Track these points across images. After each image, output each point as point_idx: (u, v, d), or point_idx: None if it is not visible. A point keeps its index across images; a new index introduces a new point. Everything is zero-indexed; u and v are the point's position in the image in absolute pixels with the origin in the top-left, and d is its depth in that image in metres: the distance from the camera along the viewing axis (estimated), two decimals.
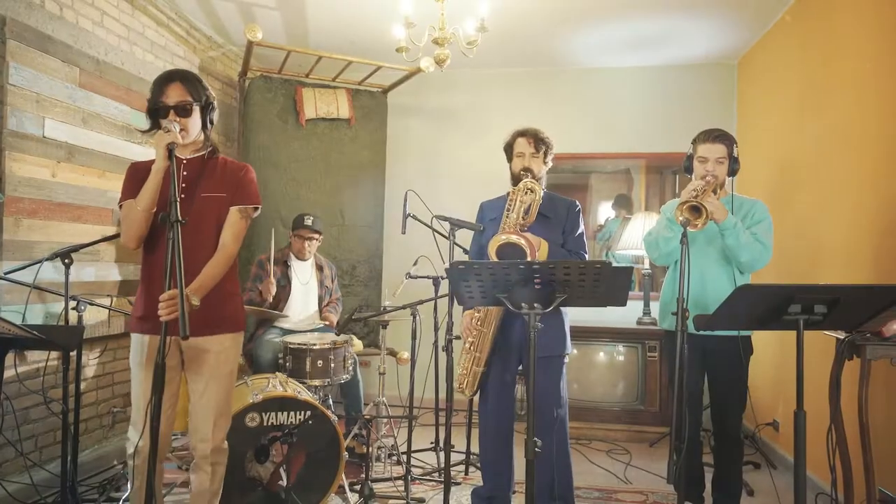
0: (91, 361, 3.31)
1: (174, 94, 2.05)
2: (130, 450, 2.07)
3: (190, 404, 2.17)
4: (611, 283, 1.96)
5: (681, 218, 2.28)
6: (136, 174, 2.10)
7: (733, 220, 2.48)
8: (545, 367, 2.56)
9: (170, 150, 1.91)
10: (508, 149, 2.77)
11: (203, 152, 2.17)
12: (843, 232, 2.97)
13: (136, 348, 2.10)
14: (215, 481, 2.19)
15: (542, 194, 2.59)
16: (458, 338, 2.71)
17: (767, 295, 1.84)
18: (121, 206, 2.11)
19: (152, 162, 2.10)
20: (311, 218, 3.79)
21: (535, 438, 1.95)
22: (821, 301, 1.78)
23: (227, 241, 2.12)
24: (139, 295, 2.14)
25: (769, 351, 3.74)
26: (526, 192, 2.55)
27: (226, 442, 2.22)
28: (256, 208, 2.20)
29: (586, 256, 2.70)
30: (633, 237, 4.36)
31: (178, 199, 1.82)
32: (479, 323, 2.60)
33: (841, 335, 2.18)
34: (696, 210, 2.31)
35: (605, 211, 5.05)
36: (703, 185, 2.46)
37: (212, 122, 2.17)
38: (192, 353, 2.11)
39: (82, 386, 3.05)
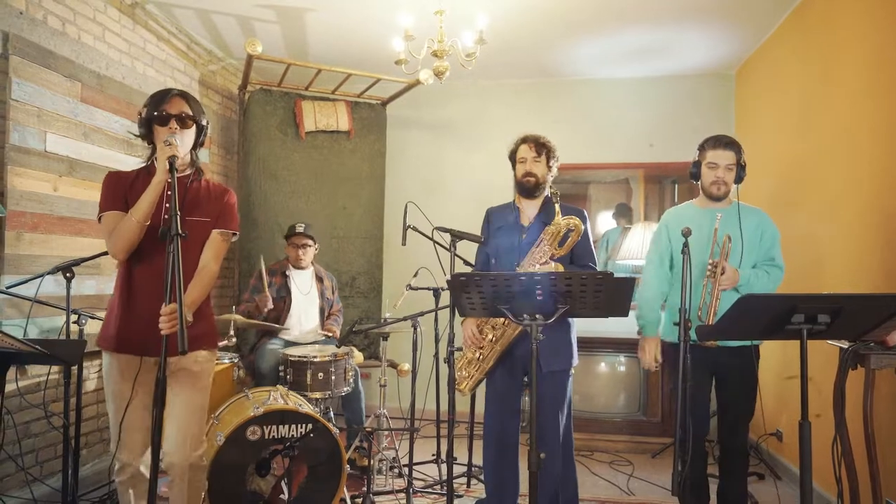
0: (91, 375, 3.29)
1: (176, 105, 2.09)
2: (117, 466, 2.09)
3: (166, 421, 2.14)
4: (613, 294, 1.96)
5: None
6: (117, 184, 2.10)
7: (745, 276, 2.55)
8: (551, 381, 2.56)
9: (170, 163, 1.92)
10: (512, 156, 2.79)
11: (188, 172, 2.18)
12: (846, 240, 2.98)
13: (114, 367, 2.08)
14: (193, 498, 2.17)
15: (583, 231, 2.58)
16: (459, 349, 2.70)
17: (770, 304, 1.83)
18: (100, 218, 2.08)
19: (133, 172, 2.14)
20: (303, 225, 3.80)
21: (539, 451, 1.94)
22: (824, 310, 1.78)
23: (210, 260, 2.16)
24: (116, 311, 2.09)
25: (772, 360, 3.73)
26: (568, 229, 2.54)
27: (204, 458, 2.20)
28: (235, 234, 2.24)
29: (596, 265, 2.70)
30: (633, 247, 4.36)
31: (178, 215, 1.82)
32: (493, 339, 2.59)
33: (845, 344, 2.17)
34: None
35: (604, 220, 5.06)
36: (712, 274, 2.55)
37: (201, 145, 2.20)
38: (170, 370, 2.07)
39: (83, 400, 3.03)
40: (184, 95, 2.12)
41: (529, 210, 2.73)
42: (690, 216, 2.69)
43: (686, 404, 2.27)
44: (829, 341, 2.20)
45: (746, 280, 2.56)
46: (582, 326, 4.32)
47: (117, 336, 2.07)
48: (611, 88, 4.90)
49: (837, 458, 2.15)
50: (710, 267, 2.52)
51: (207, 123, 2.20)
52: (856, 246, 2.87)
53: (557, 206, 2.55)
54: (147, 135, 2.11)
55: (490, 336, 2.61)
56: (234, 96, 4.70)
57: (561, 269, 2.55)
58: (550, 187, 2.70)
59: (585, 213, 2.75)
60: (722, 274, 2.51)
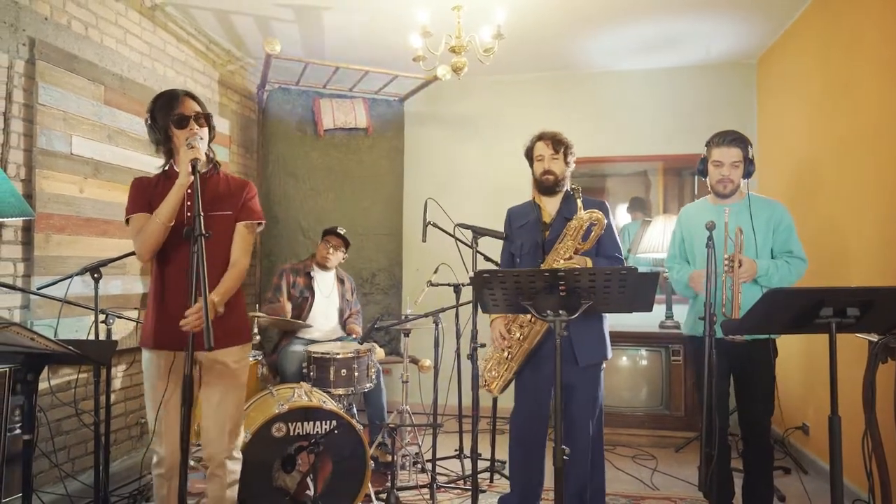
0: (119, 373, 3.35)
1: (189, 106, 2.12)
2: (154, 459, 2.14)
3: (203, 415, 2.21)
4: (636, 289, 1.95)
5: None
6: (142, 188, 2.15)
7: (763, 267, 2.51)
8: (585, 375, 2.55)
9: (193, 166, 1.94)
10: (529, 154, 2.77)
11: (205, 169, 2.18)
12: (871, 231, 2.93)
13: (152, 364, 2.13)
14: (231, 489, 2.23)
15: (606, 224, 2.56)
16: (482, 346, 2.71)
17: (798, 298, 1.81)
18: (127, 221, 2.14)
19: (157, 176, 2.17)
20: (343, 230, 3.87)
21: (563, 446, 1.94)
22: (853, 304, 1.75)
23: (239, 255, 2.19)
24: (152, 310, 2.15)
25: (797, 352, 3.68)
26: (591, 223, 2.52)
27: (239, 450, 2.26)
28: (260, 223, 2.26)
29: (623, 258, 2.67)
30: (654, 240, 4.32)
31: (201, 216, 1.85)
32: (521, 338, 2.59)
33: (874, 337, 2.14)
34: None
35: (622, 214, 5.02)
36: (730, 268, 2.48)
37: (212, 139, 2.21)
38: (206, 366, 2.17)
39: (111, 398, 3.09)
40: (190, 95, 2.15)
41: (550, 206, 2.71)
42: (703, 213, 2.67)
43: (712, 400, 2.26)
44: (858, 334, 2.16)
45: (765, 270, 2.52)
46: None
47: (154, 333, 2.12)
48: (629, 80, 4.85)
49: (868, 453, 2.12)
50: (726, 261, 2.49)
51: (212, 116, 2.21)
52: (882, 237, 2.82)
53: (580, 202, 2.53)
54: (164, 140, 2.13)
55: (517, 335, 2.61)
56: (252, 95, 4.74)
57: (589, 263, 2.53)
58: (570, 183, 2.67)
59: (607, 205, 2.73)
60: (739, 266, 2.47)
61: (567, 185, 2.71)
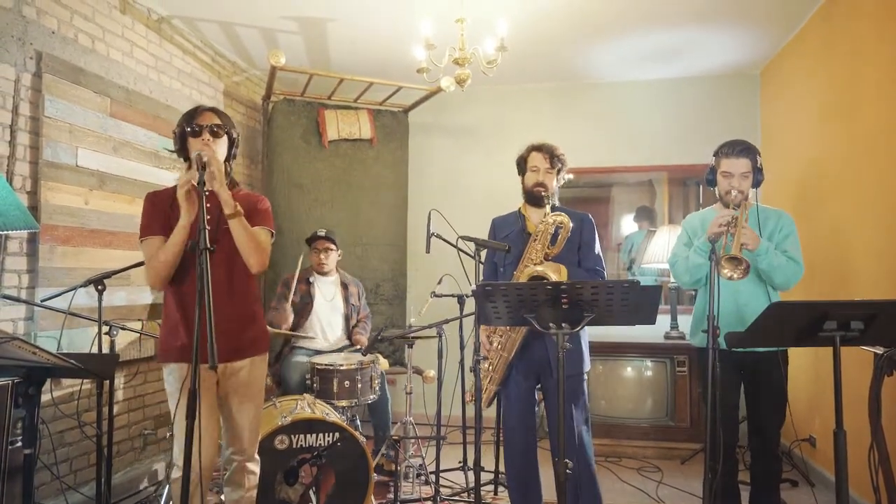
0: (121, 385, 3.35)
1: (208, 119, 2.16)
2: (176, 475, 2.09)
3: (223, 422, 2.23)
4: (639, 302, 1.94)
5: (726, 271, 2.24)
6: (157, 205, 2.16)
7: (765, 244, 2.46)
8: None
9: (199, 184, 1.93)
10: (522, 162, 2.76)
11: (211, 185, 2.20)
12: (875, 241, 2.91)
13: (181, 377, 2.11)
14: (252, 490, 2.26)
15: (572, 227, 2.53)
16: (486, 359, 2.70)
17: (801, 312, 1.80)
18: (142, 241, 2.13)
19: (170, 189, 2.18)
20: (324, 230, 3.85)
21: (566, 460, 1.93)
22: (857, 317, 1.74)
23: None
24: (175, 325, 2.13)
25: (804, 364, 3.66)
26: (556, 226, 2.50)
27: (257, 454, 2.29)
28: (272, 233, 2.27)
29: (604, 272, 2.66)
30: (658, 250, 4.31)
31: (206, 230, 1.85)
32: (499, 347, 2.58)
33: (879, 350, 2.12)
34: (735, 259, 2.27)
35: (627, 223, 5.01)
36: (730, 218, 2.37)
37: (234, 157, 2.26)
38: (224, 375, 2.18)
39: (114, 410, 3.10)
40: (215, 110, 2.22)
41: (536, 217, 2.70)
42: (710, 220, 2.65)
43: (715, 412, 2.24)
44: (864, 347, 2.14)
45: (766, 250, 2.45)
46: (607, 331, 4.33)
47: (182, 347, 2.10)
48: (634, 90, 4.85)
49: (874, 466, 2.10)
50: (724, 226, 2.37)
51: (238, 136, 2.26)
52: (886, 246, 2.80)
53: (548, 207, 2.53)
54: (182, 150, 2.19)
55: (496, 343, 2.60)
56: (258, 107, 4.77)
57: (563, 269, 2.51)
58: (558, 196, 2.65)
59: (589, 216, 2.71)
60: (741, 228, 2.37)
61: (556, 199, 2.70)
